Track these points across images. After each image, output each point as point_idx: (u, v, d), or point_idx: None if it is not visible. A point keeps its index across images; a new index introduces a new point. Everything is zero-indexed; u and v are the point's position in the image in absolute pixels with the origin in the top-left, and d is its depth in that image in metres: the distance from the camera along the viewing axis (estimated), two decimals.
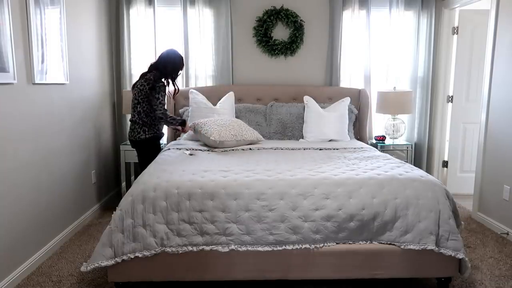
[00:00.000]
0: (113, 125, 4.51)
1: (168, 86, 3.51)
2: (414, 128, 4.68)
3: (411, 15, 4.54)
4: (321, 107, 4.14)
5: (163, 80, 3.42)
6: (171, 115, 3.45)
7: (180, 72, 3.55)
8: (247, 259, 2.38)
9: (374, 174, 2.64)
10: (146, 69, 3.50)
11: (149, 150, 3.46)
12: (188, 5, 4.37)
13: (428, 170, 4.67)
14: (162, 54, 3.50)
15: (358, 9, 4.45)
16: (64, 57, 3.27)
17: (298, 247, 2.36)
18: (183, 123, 3.51)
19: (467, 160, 4.60)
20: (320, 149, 3.54)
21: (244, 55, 4.54)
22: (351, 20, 4.48)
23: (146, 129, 3.41)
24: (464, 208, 4.16)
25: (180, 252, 2.34)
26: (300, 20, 4.47)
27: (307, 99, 4.15)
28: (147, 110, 3.38)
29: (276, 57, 4.54)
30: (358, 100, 4.41)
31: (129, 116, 4.46)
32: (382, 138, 4.43)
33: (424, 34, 4.50)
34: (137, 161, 3.78)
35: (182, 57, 3.55)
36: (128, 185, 4.34)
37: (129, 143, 3.75)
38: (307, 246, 2.37)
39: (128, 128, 3.64)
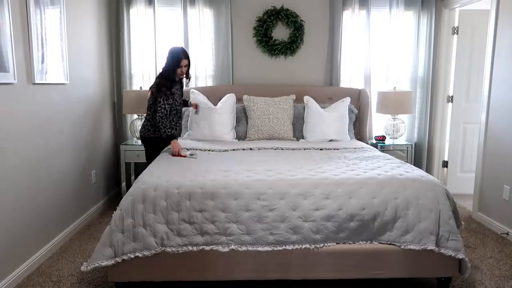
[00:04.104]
0: (113, 125, 4.51)
1: (187, 78, 3.65)
2: (414, 128, 4.68)
3: (411, 15, 4.54)
4: (321, 107, 4.13)
5: (169, 81, 3.43)
6: (164, 122, 3.35)
7: (177, 68, 3.47)
8: (247, 259, 2.38)
9: (374, 174, 2.64)
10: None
11: (155, 148, 3.56)
12: (188, 5, 4.37)
13: (428, 170, 4.67)
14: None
15: (358, 9, 4.45)
16: (64, 57, 3.27)
17: (298, 247, 2.36)
18: (170, 137, 3.35)
19: (467, 160, 4.60)
20: (320, 149, 3.54)
21: (244, 55, 4.53)
22: (351, 20, 4.48)
23: (156, 130, 3.52)
24: (464, 208, 4.16)
25: (180, 252, 2.34)
26: (300, 20, 4.47)
27: (307, 99, 4.15)
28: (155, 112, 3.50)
29: (276, 57, 4.54)
30: (358, 100, 4.40)
31: (129, 116, 4.52)
32: (382, 138, 4.42)
33: (424, 34, 4.50)
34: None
35: (177, 53, 3.47)
36: (128, 185, 4.34)
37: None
38: (307, 246, 2.37)
39: (136, 126, 3.80)
